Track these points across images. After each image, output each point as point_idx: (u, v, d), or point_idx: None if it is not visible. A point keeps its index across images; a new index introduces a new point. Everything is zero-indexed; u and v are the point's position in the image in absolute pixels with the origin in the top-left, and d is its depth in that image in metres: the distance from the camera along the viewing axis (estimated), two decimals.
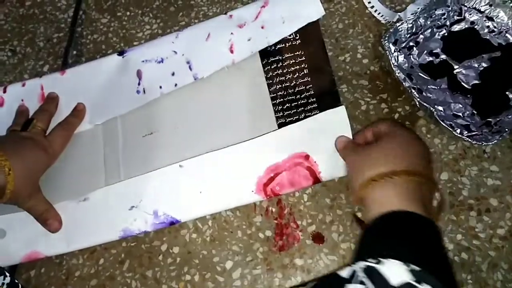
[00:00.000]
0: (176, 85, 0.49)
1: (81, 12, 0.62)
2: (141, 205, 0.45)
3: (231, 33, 0.49)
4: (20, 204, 0.44)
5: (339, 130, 0.43)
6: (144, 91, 0.50)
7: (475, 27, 0.52)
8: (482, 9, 0.51)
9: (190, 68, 0.50)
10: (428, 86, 0.49)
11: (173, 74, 0.50)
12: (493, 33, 0.51)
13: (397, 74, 0.48)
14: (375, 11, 0.54)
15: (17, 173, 0.41)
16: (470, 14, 0.52)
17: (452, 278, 0.31)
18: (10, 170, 0.40)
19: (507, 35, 0.51)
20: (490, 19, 0.51)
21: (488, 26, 0.51)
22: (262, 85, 0.48)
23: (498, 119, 0.47)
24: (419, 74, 0.50)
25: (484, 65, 0.50)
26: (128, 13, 0.62)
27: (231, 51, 0.49)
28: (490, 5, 0.51)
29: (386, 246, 0.31)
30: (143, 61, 0.51)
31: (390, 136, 0.39)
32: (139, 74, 0.51)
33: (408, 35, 0.51)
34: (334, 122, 0.44)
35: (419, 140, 0.39)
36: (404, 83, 0.48)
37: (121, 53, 0.52)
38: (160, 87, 0.50)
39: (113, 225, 0.45)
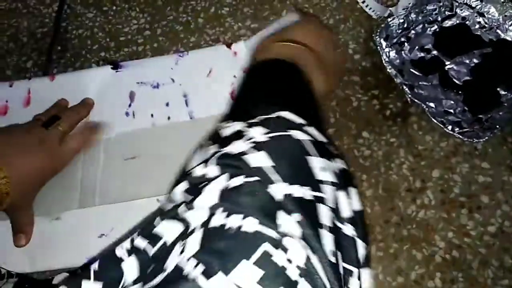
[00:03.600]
0: (169, 118, 0.47)
1: (66, 7, 0.61)
2: (111, 234, 0.43)
3: (234, 76, 0.47)
4: (8, 211, 0.41)
5: None
6: (133, 115, 0.48)
7: (466, 22, 0.51)
8: (473, 4, 0.51)
9: (186, 103, 0.47)
10: (420, 83, 0.49)
11: (167, 104, 0.48)
12: (484, 29, 0.51)
13: (388, 70, 0.48)
14: (366, 6, 0.54)
15: (14, 179, 0.37)
16: (462, 10, 0.52)
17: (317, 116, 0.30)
18: (5, 177, 0.37)
19: (497, 31, 0.50)
20: (481, 14, 0.51)
21: (479, 22, 0.51)
22: None
23: (489, 115, 0.46)
24: (411, 70, 0.49)
25: (475, 61, 0.49)
26: (114, 7, 0.60)
27: (232, 97, 0.46)
28: (481, 1, 0.51)
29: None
30: (138, 83, 0.49)
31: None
32: (131, 96, 0.49)
33: (400, 31, 0.51)
34: None
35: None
36: (395, 79, 0.47)
37: (115, 66, 0.50)
38: (152, 115, 0.47)
39: (80, 250, 0.42)
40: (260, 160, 0.22)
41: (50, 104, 0.49)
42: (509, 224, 0.42)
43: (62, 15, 0.60)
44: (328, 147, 0.25)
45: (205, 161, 0.23)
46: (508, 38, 0.50)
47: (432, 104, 0.47)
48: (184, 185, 0.23)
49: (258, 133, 0.24)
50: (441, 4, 0.51)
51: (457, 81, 0.49)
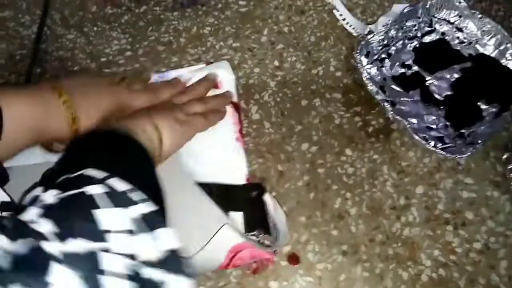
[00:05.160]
0: None
1: (46, 28, 0.60)
2: None
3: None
4: None
5: None
6: None
7: (446, 38, 0.52)
8: (452, 20, 0.52)
9: None
10: (401, 99, 0.49)
11: None
12: (463, 44, 0.51)
13: (369, 87, 0.48)
14: (347, 23, 0.54)
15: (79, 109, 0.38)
16: (441, 25, 0.52)
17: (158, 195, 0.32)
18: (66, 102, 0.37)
19: (476, 45, 0.51)
20: (460, 30, 0.51)
21: (458, 37, 0.51)
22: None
23: (471, 130, 0.46)
24: (392, 86, 0.50)
25: (456, 76, 0.50)
26: (95, 28, 0.60)
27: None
28: (460, 16, 0.51)
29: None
30: None
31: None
32: None
33: (380, 47, 0.51)
34: None
35: None
36: (376, 96, 0.47)
37: None
38: None
39: None
40: (44, 224, 0.24)
41: None
42: (495, 240, 0.42)
43: (42, 37, 0.59)
44: (129, 194, 0.27)
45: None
46: (487, 53, 0.50)
47: (414, 120, 0.47)
48: None
49: (50, 196, 0.26)
50: (420, 20, 0.52)
51: (438, 96, 0.49)
